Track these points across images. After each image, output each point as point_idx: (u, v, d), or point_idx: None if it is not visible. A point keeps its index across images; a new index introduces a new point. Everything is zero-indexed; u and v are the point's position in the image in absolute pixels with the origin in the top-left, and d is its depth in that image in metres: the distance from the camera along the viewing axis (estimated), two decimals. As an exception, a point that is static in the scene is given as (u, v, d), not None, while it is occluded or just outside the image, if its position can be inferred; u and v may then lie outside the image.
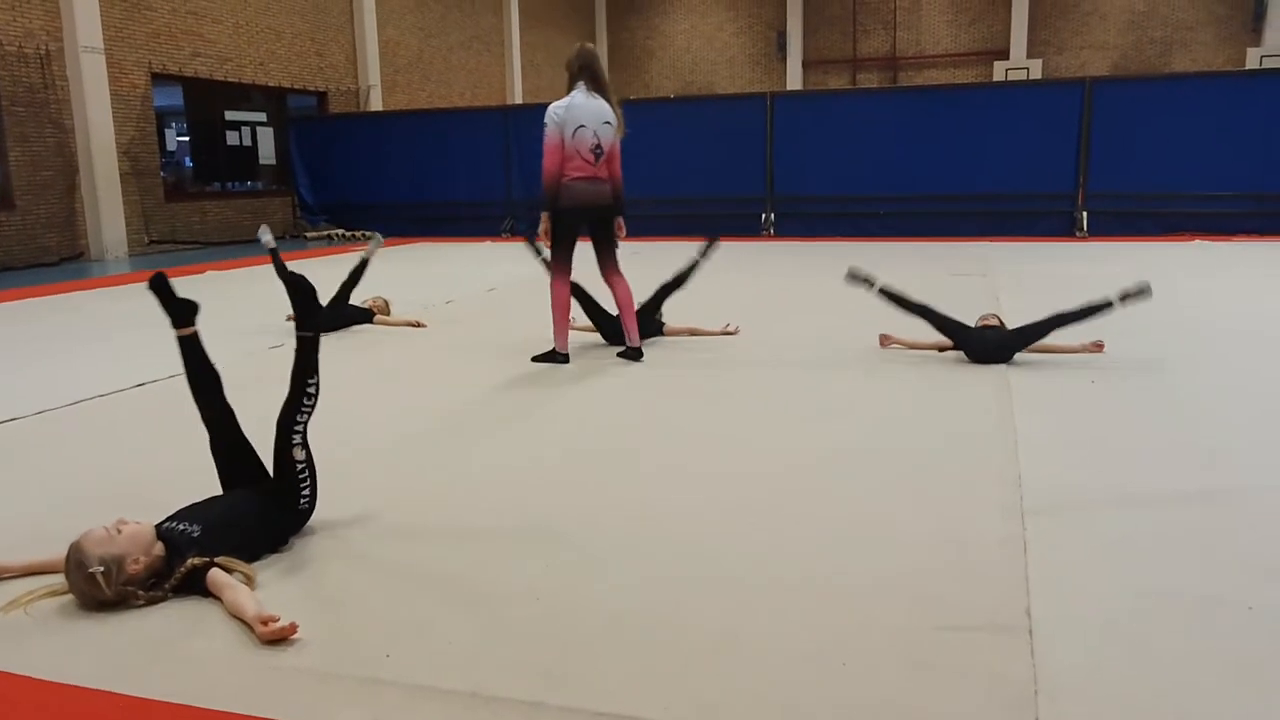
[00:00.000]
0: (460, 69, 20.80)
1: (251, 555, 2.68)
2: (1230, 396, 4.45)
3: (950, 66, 23.77)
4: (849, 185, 13.55)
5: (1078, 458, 3.58)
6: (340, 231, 15.40)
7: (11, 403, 4.68)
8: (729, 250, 11.92)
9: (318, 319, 2.85)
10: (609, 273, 5.50)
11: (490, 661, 2.19)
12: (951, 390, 4.66)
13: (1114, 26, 22.54)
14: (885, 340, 5.52)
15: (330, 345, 6.16)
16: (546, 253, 5.56)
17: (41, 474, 3.71)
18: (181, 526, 2.61)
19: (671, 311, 6.30)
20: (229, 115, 15.29)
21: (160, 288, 3.03)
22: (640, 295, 5.73)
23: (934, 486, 3.29)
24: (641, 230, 14.01)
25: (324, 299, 6.52)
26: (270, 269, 6.66)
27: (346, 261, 6.74)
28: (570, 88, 5.21)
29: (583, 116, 5.12)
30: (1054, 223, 12.84)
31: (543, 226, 5.30)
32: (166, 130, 14.53)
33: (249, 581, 2.51)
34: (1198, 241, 11.47)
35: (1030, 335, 5.11)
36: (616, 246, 5.49)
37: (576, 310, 6.32)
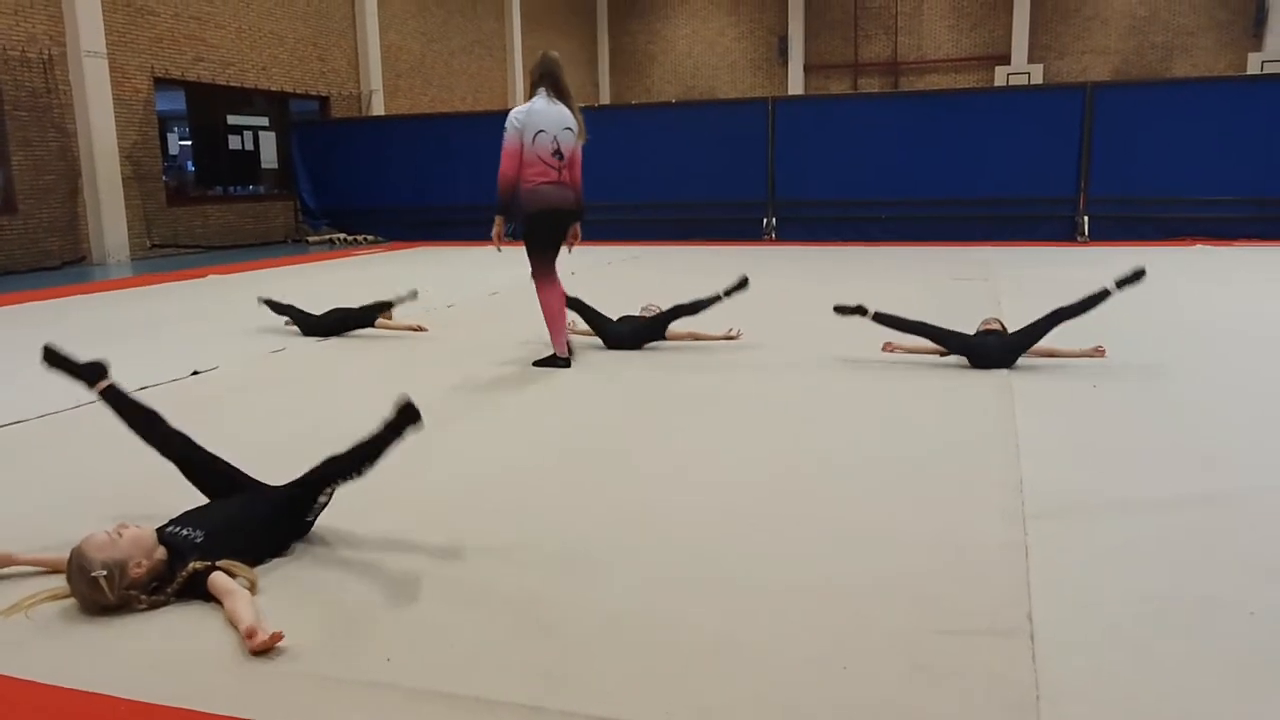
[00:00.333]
0: (462, 73, 20.83)
1: (254, 559, 2.68)
2: (1231, 400, 4.45)
3: (951, 71, 23.79)
4: (850, 190, 13.56)
5: (1079, 461, 3.58)
6: (342, 236, 15.42)
7: (14, 405, 4.68)
8: (731, 255, 11.95)
9: (413, 416, 2.77)
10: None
11: (491, 665, 2.19)
12: (953, 394, 4.65)
13: (1115, 31, 22.56)
14: (889, 348, 5.52)
15: (331, 349, 6.20)
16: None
17: (44, 476, 3.71)
18: (184, 531, 2.61)
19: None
20: (231, 120, 15.31)
21: (57, 360, 3.06)
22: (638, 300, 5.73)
23: (936, 490, 3.29)
24: (643, 235, 14.10)
25: (323, 304, 6.60)
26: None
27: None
28: (532, 94, 5.28)
29: (543, 122, 5.17)
30: (1055, 227, 12.84)
31: (496, 230, 5.36)
32: (169, 134, 14.55)
33: (251, 586, 2.51)
34: (1199, 246, 11.46)
35: (1033, 335, 5.11)
36: (568, 252, 5.57)
37: (576, 315, 6.33)
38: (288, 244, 15.48)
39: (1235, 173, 12.15)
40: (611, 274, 5.95)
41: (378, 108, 17.68)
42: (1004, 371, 5.03)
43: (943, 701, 2.01)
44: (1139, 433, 3.96)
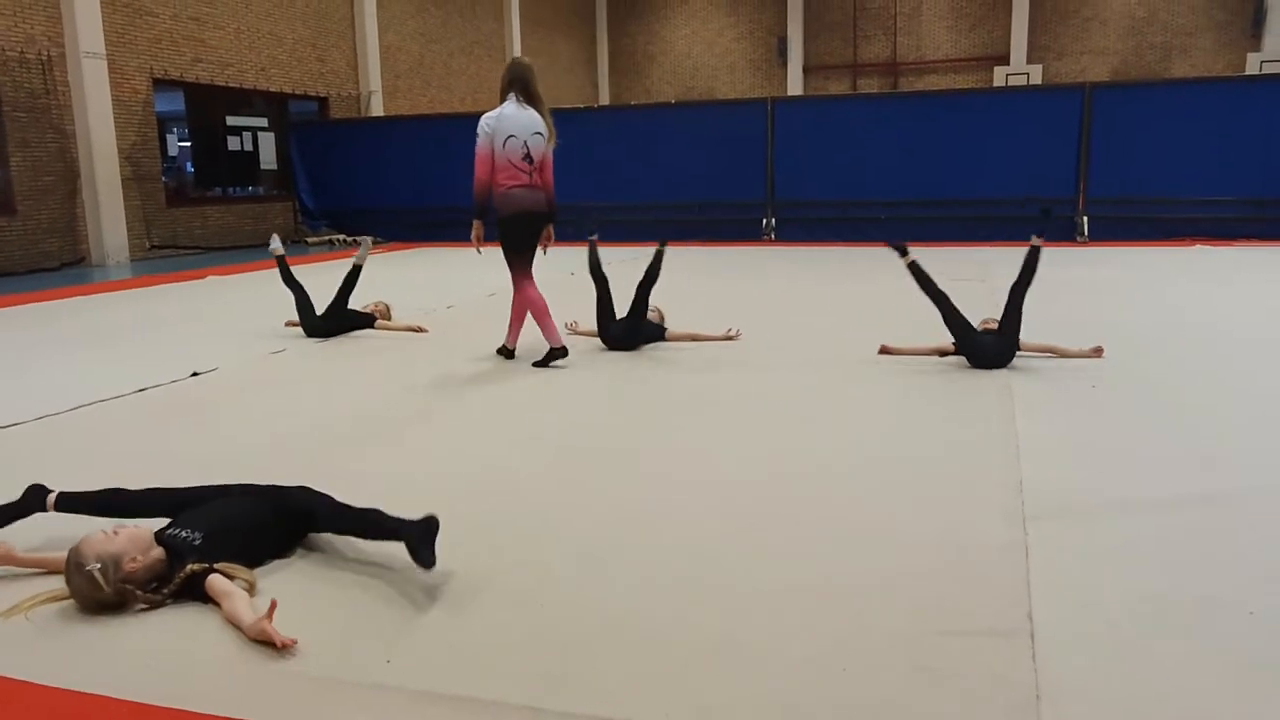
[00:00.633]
0: (461, 74, 20.83)
1: (254, 561, 2.68)
2: (1231, 400, 4.45)
3: (950, 72, 23.80)
4: (850, 190, 13.57)
5: (1079, 462, 3.58)
6: (341, 237, 15.42)
7: (13, 408, 4.68)
8: (731, 255, 11.96)
9: (427, 536, 2.64)
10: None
11: (490, 666, 2.19)
12: (953, 395, 4.66)
13: (1114, 32, 22.57)
14: (885, 350, 5.52)
15: (331, 350, 6.20)
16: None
17: (42, 479, 3.70)
18: (183, 533, 2.61)
19: (673, 316, 6.31)
20: (230, 120, 15.31)
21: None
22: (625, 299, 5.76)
23: (936, 491, 3.29)
24: (643, 236, 14.08)
25: (321, 306, 6.60)
26: (267, 266, 6.67)
27: (346, 267, 6.74)
28: (502, 99, 5.37)
29: (512, 127, 5.27)
30: (1054, 228, 12.84)
31: (475, 233, 5.43)
32: (168, 135, 14.55)
33: (250, 588, 2.51)
34: (1198, 246, 11.47)
35: (1013, 321, 5.09)
36: (543, 254, 5.61)
37: (578, 314, 6.33)
38: (287, 245, 15.45)
39: (1234, 173, 12.17)
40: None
41: (377, 109, 17.68)
42: (1004, 372, 5.03)
43: (943, 702, 2.01)
44: (1138, 433, 3.96)
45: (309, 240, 15.48)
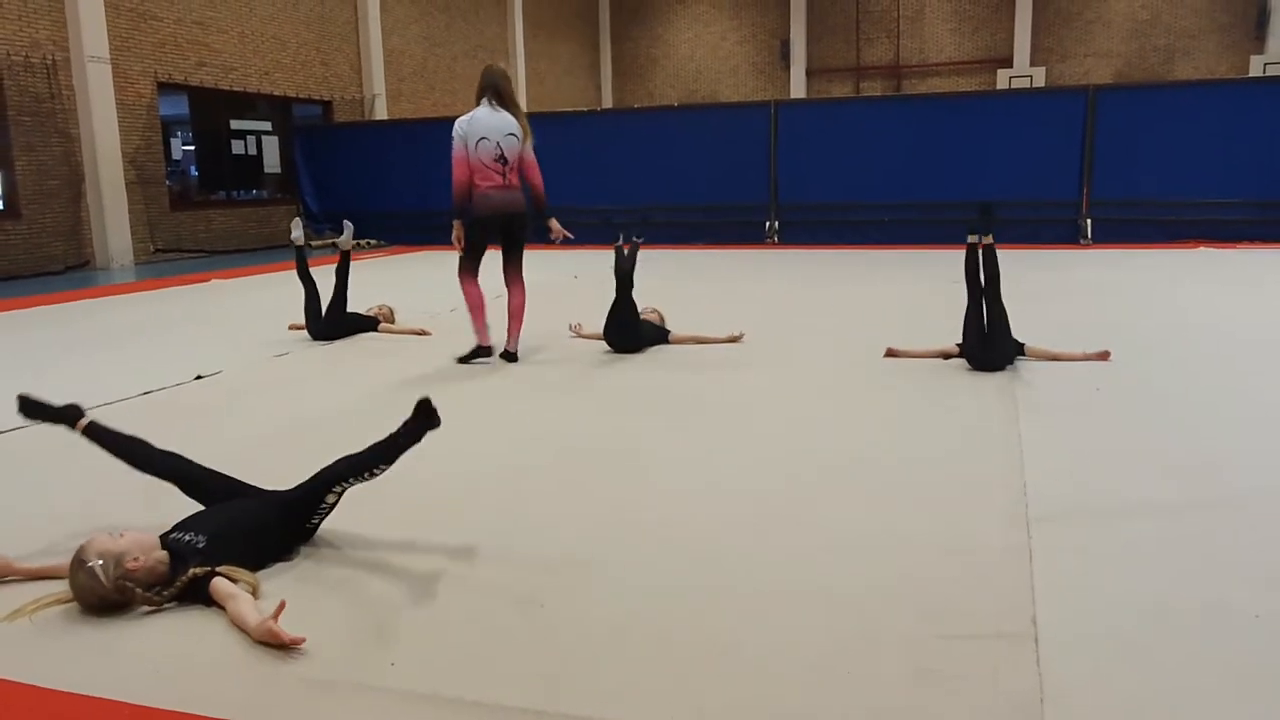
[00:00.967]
0: (465, 78, 20.84)
1: (257, 564, 2.68)
2: (1235, 403, 4.44)
3: (953, 75, 23.79)
4: (853, 193, 13.56)
5: (1083, 465, 3.57)
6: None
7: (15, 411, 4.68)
8: (734, 258, 11.95)
9: (432, 418, 2.81)
10: (511, 277, 5.78)
11: (493, 669, 2.19)
12: (956, 397, 4.65)
13: (1117, 34, 22.55)
14: (891, 353, 5.51)
15: (335, 353, 6.21)
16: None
17: (46, 483, 3.71)
18: (186, 536, 2.62)
19: (676, 319, 6.31)
20: (234, 124, 15.34)
21: (34, 409, 3.08)
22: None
23: (939, 494, 3.29)
24: (646, 238, 14.08)
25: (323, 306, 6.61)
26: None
27: (347, 268, 6.75)
28: (477, 104, 5.56)
29: (483, 129, 5.46)
30: (1058, 230, 12.83)
31: (455, 234, 5.60)
32: (172, 139, 14.57)
33: (253, 591, 2.52)
34: (1202, 249, 11.45)
35: (1002, 327, 5.08)
36: (557, 242, 5.90)
37: (582, 317, 6.34)
38: (290, 248, 15.49)
39: (1238, 175, 12.14)
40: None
41: (380, 112, 17.71)
42: (1007, 374, 5.03)
43: (947, 705, 2.00)
44: (1142, 436, 3.95)
45: (312, 244, 15.48)
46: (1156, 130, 12.38)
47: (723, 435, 4.13)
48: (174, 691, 2.11)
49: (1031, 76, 22.23)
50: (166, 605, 2.48)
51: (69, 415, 3.06)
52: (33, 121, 11.77)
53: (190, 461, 2.99)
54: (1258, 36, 21.12)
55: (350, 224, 6.76)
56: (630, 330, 5.88)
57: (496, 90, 5.52)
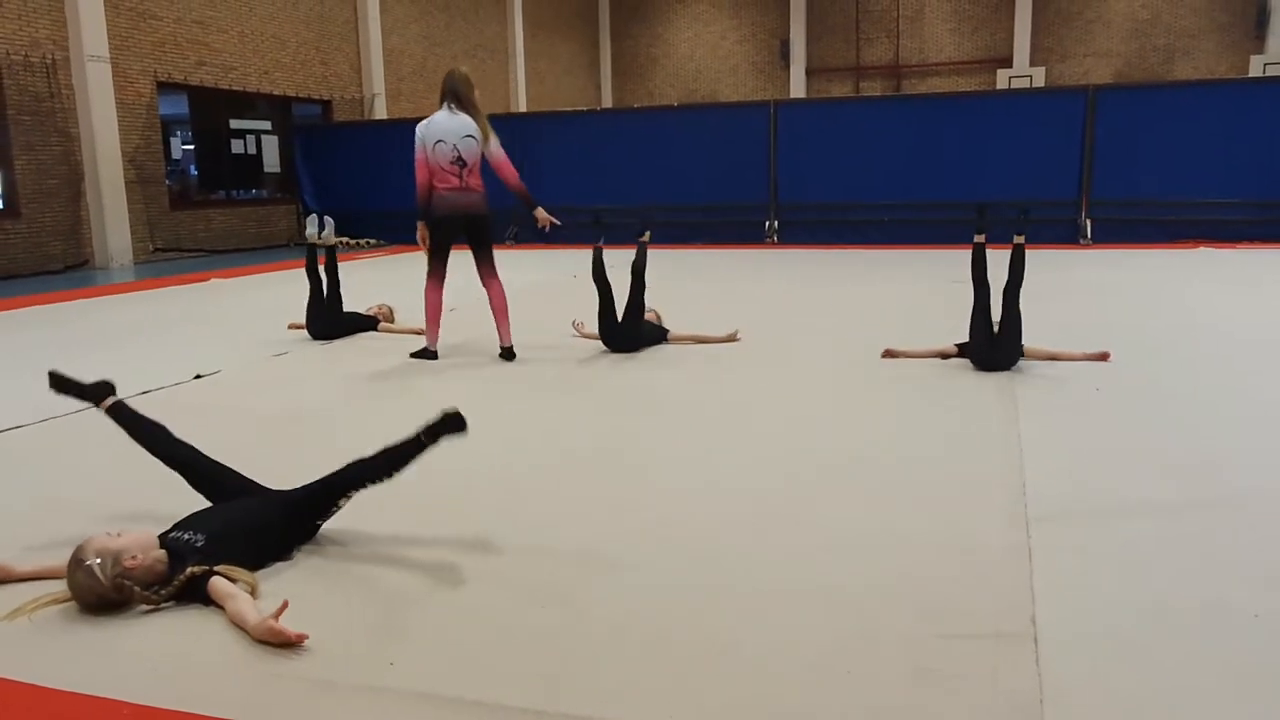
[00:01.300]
0: (464, 77, 20.85)
1: (257, 564, 2.68)
2: (1234, 402, 4.44)
3: (953, 74, 23.78)
4: (852, 193, 13.56)
5: (1083, 464, 3.57)
6: (344, 240, 15.42)
7: (17, 410, 4.68)
8: (733, 258, 11.95)
9: (458, 425, 2.79)
10: (485, 277, 5.87)
11: (493, 669, 2.19)
12: (956, 397, 4.65)
13: (1117, 34, 22.55)
14: (889, 354, 5.51)
15: (334, 352, 6.20)
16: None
17: (46, 482, 3.71)
18: (186, 536, 2.62)
19: (675, 318, 6.31)
20: (234, 124, 15.34)
21: (64, 384, 3.17)
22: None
23: (939, 494, 3.29)
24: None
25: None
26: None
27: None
28: (440, 108, 5.68)
29: (440, 132, 5.59)
30: (1058, 230, 12.81)
31: (420, 234, 5.79)
32: (171, 138, 14.56)
33: (252, 590, 2.51)
34: (1202, 249, 11.45)
35: (1012, 321, 5.06)
36: (546, 230, 6.04)
37: (584, 316, 6.34)
38: (290, 248, 15.48)
39: (1238, 175, 12.15)
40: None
41: (380, 112, 17.70)
42: (1007, 374, 5.03)
43: (946, 704, 2.00)
44: (1142, 435, 3.95)
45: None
46: (1156, 130, 12.38)
47: (722, 435, 4.13)
48: (173, 691, 2.11)
49: (1031, 76, 22.22)
50: (164, 604, 2.48)
51: (96, 392, 3.13)
52: (32, 121, 11.77)
53: (204, 455, 3.00)
54: (1258, 36, 21.12)
55: (331, 220, 6.74)
56: (630, 330, 5.88)
57: (456, 94, 5.66)
